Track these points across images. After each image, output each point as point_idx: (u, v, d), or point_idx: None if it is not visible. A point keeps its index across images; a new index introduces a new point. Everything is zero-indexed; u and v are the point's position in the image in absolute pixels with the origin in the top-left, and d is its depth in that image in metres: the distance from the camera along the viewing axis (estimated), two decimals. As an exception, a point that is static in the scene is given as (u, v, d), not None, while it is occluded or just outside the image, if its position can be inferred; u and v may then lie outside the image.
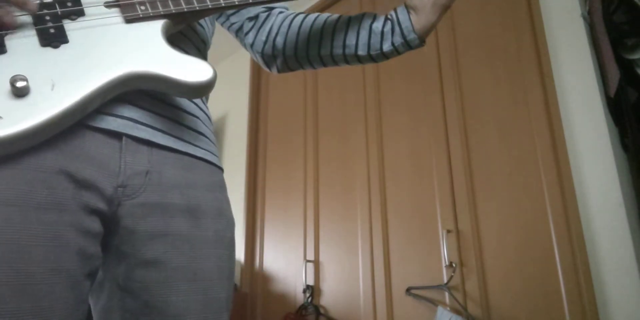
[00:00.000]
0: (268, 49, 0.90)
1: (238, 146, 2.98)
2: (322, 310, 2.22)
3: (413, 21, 0.80)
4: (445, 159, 1.95)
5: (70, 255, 0.57)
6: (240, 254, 2.68)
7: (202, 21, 0.79)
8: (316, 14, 0.88)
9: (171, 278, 0.64)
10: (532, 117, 1.75)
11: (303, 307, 2.26)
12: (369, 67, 2.35)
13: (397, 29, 0.81)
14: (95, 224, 0.61)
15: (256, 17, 0.91)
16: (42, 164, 0.57)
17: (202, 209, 0.69)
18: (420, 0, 0.79)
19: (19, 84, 0.53)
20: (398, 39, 0.81)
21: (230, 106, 3.14)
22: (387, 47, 0.82)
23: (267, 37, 0.89)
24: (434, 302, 1.80)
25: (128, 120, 0.64)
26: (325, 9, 2.75)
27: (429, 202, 1.96)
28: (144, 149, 0.65)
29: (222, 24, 0.95)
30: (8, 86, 0.53)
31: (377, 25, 0.83)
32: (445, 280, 1.79)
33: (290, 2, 0.82)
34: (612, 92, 1.59)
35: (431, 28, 0.80)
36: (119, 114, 0.63)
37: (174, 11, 0.64)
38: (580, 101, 1.67)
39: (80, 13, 0.61)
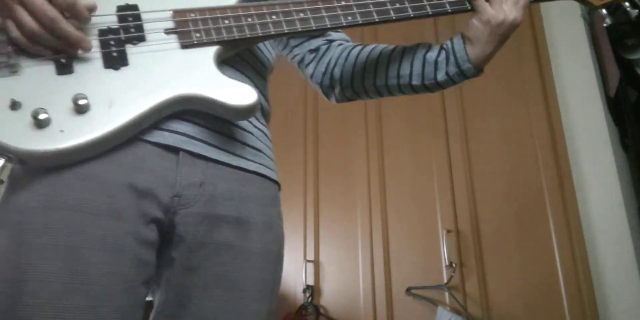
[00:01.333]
0: (326, 80, 0.92)
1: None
2: (322, 310, 2.21)
3: (468, 51, 0.80)
4: (445, 159, 1.95)
5: (126, 261, 0.60)
6: (240, 254, 2.68)
7: (261, 46, 0.81)
8: (373, 46, 0.89)
9: (208, 284, 0.67)
10: (532, 117, 1.75)
11: (303, 307, 2.26)
12: (369, 67, 2.35)
13: (452, 58, 0.81)
14: (152, 233, 0.65)
15: (317, 49, 0.93)
16: (104, 175, 0.61)
17: (251, 222, 0.72)
18: (477, 31, 0.79)
19: (81, 102, 0.58)
20: (452, 69, 0.81)
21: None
22: (441, 76, 0.82)
23: (326, 68, 0.92)
24: (434, 302, 1.80)
25: (183, 136, 0.68)
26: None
27: (429, 202, 1.96)
28: (199, 162, 0.69)
29: (286, 55, 0.98)
30: (71, 104, 0.59)
31: (432, 55, 0.83)
32: (445, 280, 1.79)
33: (347, 31, 0.83)
34: (612, 92, 1.59)
35: (487, 58, 0.80)
36: (175, 129, 0.67)
37: (226, 38, 0.68)
38: (580, 101, 1.67)
39: (142, 39, 0.66)
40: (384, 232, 2.07)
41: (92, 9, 0.63)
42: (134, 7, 0.67)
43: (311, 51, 0.94)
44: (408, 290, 1.89)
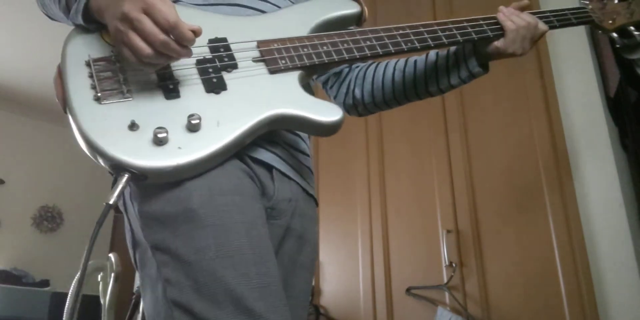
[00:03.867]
0: (349, 100, 1.01)
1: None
2: (322, 310, 2.21)
3: (477, 61, 0.92)
4: (445, 159, 1.95)
5: (267, 235, 0.71)
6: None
7: None
8: (385, 62, 0.99)
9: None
10: (532, 117, 1.75)
11: (303, 307, 2.26)
12: (369, 67, 2.35)
13: (463, 64, 0.92)
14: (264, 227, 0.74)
15: (340, 72, 1.03)
16: (235, 171, 0.71)
17: (306, 238, 0.83)
18: (493, 55, 0.92)
19: (194, 121, 0.65)
20: (464, 73, 0.93)
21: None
22: (454, 80, 0.93)
23: (347, 89, 1.01)
24: (434, 302, 1.80)
25: (274, 155, 0.77)
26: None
27: (429, 202, 1.96)
28: (286, 180, 0.79)
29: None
30: (185, 123, 0.66)
31: (442, 63, 0.94)
32: (445, 280, 1.79)
33: None
34: (612, 92, 1.59)
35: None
36: (269, 148, 0.77)
37: (308, 64, 0.77)
38: (580, 101, 1.67)
39: (235, 66, 0.74)
40: (384, 232, 2.07)
41: (196, 32, 0.66)
42: (224, 39, 0.76)
43: (335, 74, 1.03)
44: (408, 290, 1.89)
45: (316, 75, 1.04)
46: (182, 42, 0.65)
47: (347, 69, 1.03)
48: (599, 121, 1.61)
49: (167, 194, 0.67)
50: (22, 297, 4.19)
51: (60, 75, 0.69)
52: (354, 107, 1.02)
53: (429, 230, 1.92)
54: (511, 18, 0.90)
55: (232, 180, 0.69)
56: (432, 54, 0.96)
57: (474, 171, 1.86)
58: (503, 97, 1.85)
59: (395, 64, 0.98)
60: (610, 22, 1.02)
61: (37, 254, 4.72)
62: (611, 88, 1.60)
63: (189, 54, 0.67)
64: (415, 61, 0.96)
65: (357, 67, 1.02)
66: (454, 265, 1.78)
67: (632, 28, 1.03)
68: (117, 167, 0.63)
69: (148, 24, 0.63)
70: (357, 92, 1.00)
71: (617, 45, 1.08)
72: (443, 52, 0.95)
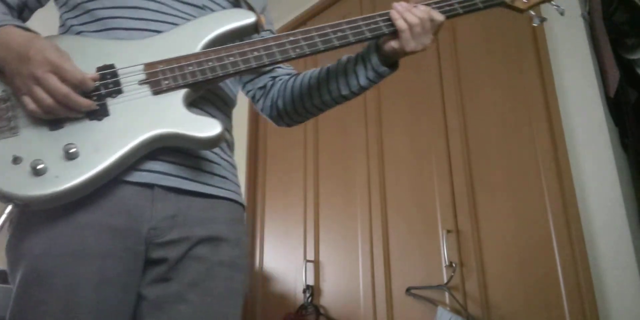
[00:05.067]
0: (273, 111, 1.05)
1: (238, 145, 2.96)
2: (322, 310, 2.22)
3: (381, 59, 0.92)
4: (445, 159, 1.95)
5: (115, 290, 0.75)
6: (240, 254, 2.68)
7: (224, 86, 0.93)
8: (303, 73, 1.02)
9: (183, 291, 0.78)
10: (532, 117, 1.75)
11: (303, 307, 2.26)
12: (369, 67, 2.34)
13: (368, 65, 0.93)
14: (139, 262, 0.77)
15: (264, 86, 1.07)
16: (92, 222, 0.74)
17: (221, 238, 0.84)
18: (394, 53, 0.92)
19: (71, 150, 0.70)
20: (371, 73, 0.93)
21: (230, 106, 3.14)
22: (363, 81, 0.94)
23: (272, 102, 1.05)
24: (434, 302, 1.80)
25: (158, 174, 0.79)
26: (325, 9, 2.74)
27: (429, 202, 1.96)
28: (171, 196, 0.80)
29: (241, 90, 1.11)
30: (62, 152, 0.70)
31: (350, 66, 0.95)
32: (445, 280, 1.79)
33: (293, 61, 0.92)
34: (612, 92, 1.59)
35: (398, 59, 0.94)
36: (151, 169, 0.79)
37: (190, 82, 0.79)
38: (580, 101, 1.67)
39: (119, 91, 0.77)
40: (384, 232, 2.07)
41: (95, 79, 0.75)
42: (111, 66, 0.79)
43: (260, 88, 1.07)
44: (408, 290, 1.89)
45: (239, 86, 1.07)
46: (86, 91, 0.73)
47: (270, 83, 1.06)
48: (599, 121, 1.61)
49: (33, 236, 0.74)
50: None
51: None
52: (280, 118, 1.06)
53: (429, 230, 1.92)
54: (404, 15, 0.88)
55: (75, 239, 0.73)
56: (344, 57, 0.97)
57: (474, 171, 1.86)
58: (503, 97, 1.84)
59: (313, 71, 1.00)
60: (525, 1, 0.99)
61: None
62: (611, 88, 1.59)
63: (89, 104, 0.73)
64: (329, 66, 0.98)
65: (280, 79, 1.05)
66: (454, 265, 1.78)
67: (553, 2, 1.01)
68: (3, 198, 0.69)
69: (52, 80, 0.70)
70: (280, 103, 1.03)
71: (534, 24, 1.06)
72: (353, 54, 0.96)
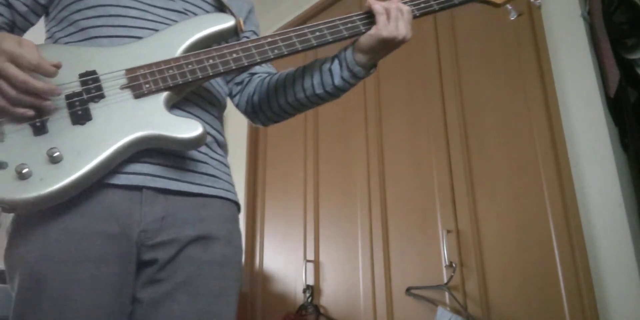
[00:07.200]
0: (249, 107, 1.05)
1: (238, 146, 2.98)
2: (322, 310, 2.22)
3: (359, 58, 0.92)
4: (445, 159, 1.95)
5: (111, 295, 0.75)
6: (240, 254, 2.68)
7: (210, 86, 0.94)
8: (281, 72, 1.02)
9: (174, 291, 0.80)
10: (532, 117, 1.75)
11: (303, 307, 2.26)
12: (369, 67, 2.34)
13: (344, 64, 0.93)
14: (131, 265, 0.78)
15: (241, 82, 1.07)
16: (82, 228, 0.75)
17: (212, 237, 0.84)
18: (373, 43, 0.90)
19: (55, 154, 0.71)
20: (346, 73, 0.93)
21: (230, 106, 3.14)
22: (337, 81, 0.94)
23: (248, 97, 1.05)
24: (434, 302, 1.80)
25: (146, 176, 0.80)
26: (325, 9, 2.74)
27: (429, 202, 1.96)
28: (160, 197, 0.81)
29: None
30: (45, 156, 0.72)
31: (326, 65, 0.95)
32: (445, 280, 1.79)
33: (275, 62, 0.94)
34: (612, 92, 1.59)
35: (376, 61, 0.93)
36: (138, 171, 0.80)
37: (171, 85, 0.81)
38: (580, 101, 1.67)
39: (102, 96, 0.79)
40: (384, 232, 2.07)
41: (57, 66, 0.75)
42: (93, 72, 0.80)
43: (237, 84, 1.07)
44: (408, 290, 1.89)
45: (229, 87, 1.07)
46: (48, 76, 0.73)
47: (248, 79, 1.06)
48: (599, 121, 1.61)
49: (27, 243, 0.76)
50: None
51: None
52: (254, 115, 1.06)
53: (429, 230, 1.92)
54: (380, 3, 0.90)
55: (69, 245, 0.75)
56: (323, 57, 0.97)
57: (474, 171, 1.86)
58: (503, 97, 1.84)
59: (292, 69, 1.00)
60: None
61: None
62: (611, 88, 1.59)
63: (49, 88, 0.73)
64: (307, 65, 0.98)
65: (259, 76, 1.05)
66: (454, 265, 1.78)
67: None
68: None
69: (11, 69, 0.71)
70: (256, 98, 1.03)
71: (512, 18, 1.06)
72: (329, 57, 0.97)
